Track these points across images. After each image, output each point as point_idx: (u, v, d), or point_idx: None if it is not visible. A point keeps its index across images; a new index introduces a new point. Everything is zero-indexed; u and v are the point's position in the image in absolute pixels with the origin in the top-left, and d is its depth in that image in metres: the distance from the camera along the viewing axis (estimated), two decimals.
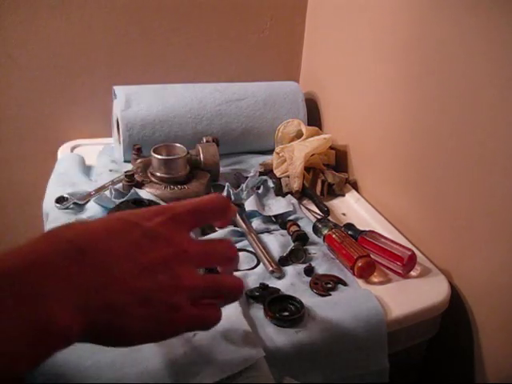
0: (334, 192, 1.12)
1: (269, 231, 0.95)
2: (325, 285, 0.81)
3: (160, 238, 0.48)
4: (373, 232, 0.92)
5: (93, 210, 0.93)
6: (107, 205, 0.93)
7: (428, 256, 0.92)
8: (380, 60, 1.05)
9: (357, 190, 1.15)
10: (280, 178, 1.09)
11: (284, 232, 0.95)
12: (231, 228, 0.93)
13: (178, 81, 1.25)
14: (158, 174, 0.99)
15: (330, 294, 0.79)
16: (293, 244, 0.89)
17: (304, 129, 1.17)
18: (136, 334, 0.46)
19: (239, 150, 1.23)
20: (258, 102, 1.21)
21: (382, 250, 0.86)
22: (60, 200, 0.94)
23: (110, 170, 1.09)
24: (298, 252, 0.87)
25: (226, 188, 1.02)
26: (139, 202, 0.84)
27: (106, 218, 0.51)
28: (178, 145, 1.03)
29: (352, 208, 1.08)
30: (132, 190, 0.94)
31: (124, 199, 0.91)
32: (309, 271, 0.84)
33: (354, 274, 0.84)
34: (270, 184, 1.09)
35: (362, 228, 0.94)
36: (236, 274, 0.78)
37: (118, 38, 1.23)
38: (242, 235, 0.92)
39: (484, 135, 0.79)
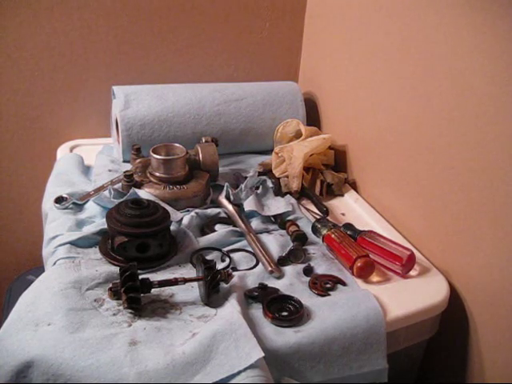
0: (333, 192, 1.12)
1: (268, 231, 0.95)
2: (324, 285, 0.81)
3: None
4: (372, 232, 0.92)
5: (92, 210, 0.93)
6: (106, 205, 0.93)
7: (427, 256, 0.92)
8: (379, 60, 1.05)
9: (356, 190, 1.15)
10: (279, 178, 1.09)
11: (283, 232, 0.95)
12: (230, 228, 0.93)
13: (178, 81, 1.25)
14: (157, 174, 0.99)
15: (329, 294, 0.79)
16: (292, 244, 0.89)
17: (303, 129, 1.17)
18: None
19: (238, 150, 1.23)
20: (256, 102, 1.21)
21: (381, 250, 0.86)
22: (59, 200, 0.94)
23: (109, 170, 1.09)
24: (297, 252, 0.87)
25: (225, 188, 1.02)
26: (138, 202, 0.84)
27: None
28: (177, 145, 1.03)
29: (351, 208, 1.08)
30: (131, 190, 0.94)
31: (123, 199, 0.91)
32: (308, 271, 0.84)
33: (353, 274, 0.84)
34: (269, 184, 1.09)
35: (361, 228, 0.94)
36: (235, 274, 0.78)
37: (117, 38, 1.23)
38: (241, 235, 0.92)
39: (484, 135, 0.79)
